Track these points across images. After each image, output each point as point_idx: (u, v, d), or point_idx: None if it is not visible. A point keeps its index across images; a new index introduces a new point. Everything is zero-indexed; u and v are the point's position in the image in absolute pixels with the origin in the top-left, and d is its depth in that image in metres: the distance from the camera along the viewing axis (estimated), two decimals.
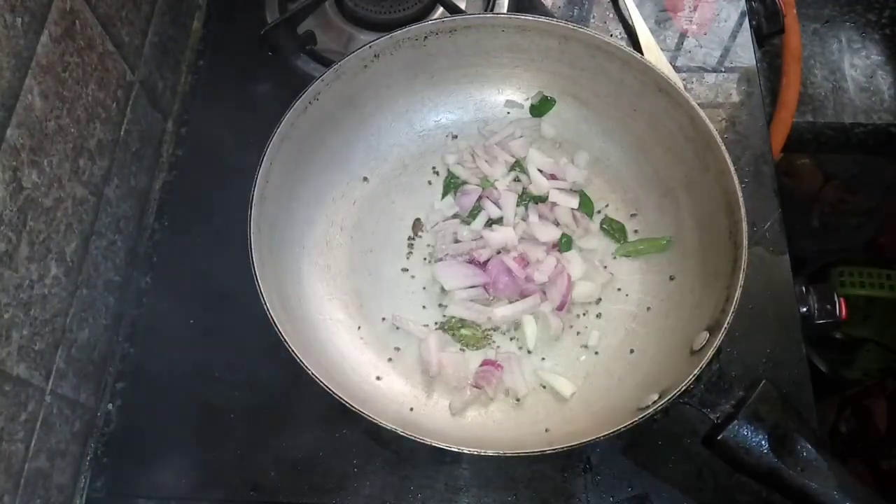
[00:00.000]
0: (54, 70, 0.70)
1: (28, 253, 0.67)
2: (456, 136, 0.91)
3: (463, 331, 0.80)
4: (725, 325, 0.66)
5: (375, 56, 0.82)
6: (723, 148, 0.73)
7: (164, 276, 0.88)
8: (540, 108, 0.89)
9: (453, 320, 0.81)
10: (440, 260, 0.83)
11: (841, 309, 0.85)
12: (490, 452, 0.64)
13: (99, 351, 0.82)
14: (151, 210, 0.92)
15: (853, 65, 1.11)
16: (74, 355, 0.76)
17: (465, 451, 0.64)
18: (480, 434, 0.75)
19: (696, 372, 0.64)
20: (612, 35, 1.00)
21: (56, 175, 0.71)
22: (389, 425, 0.64)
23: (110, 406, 0.82)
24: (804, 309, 0.84)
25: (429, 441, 0.64)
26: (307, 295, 0.80)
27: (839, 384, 1.22)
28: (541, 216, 0.85)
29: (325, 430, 0.78)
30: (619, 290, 0.82)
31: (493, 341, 0.80)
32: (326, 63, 0.84)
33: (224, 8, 1.06)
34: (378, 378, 0.78)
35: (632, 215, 0.86)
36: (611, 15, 1.03)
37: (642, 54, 0.80)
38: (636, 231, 0.85)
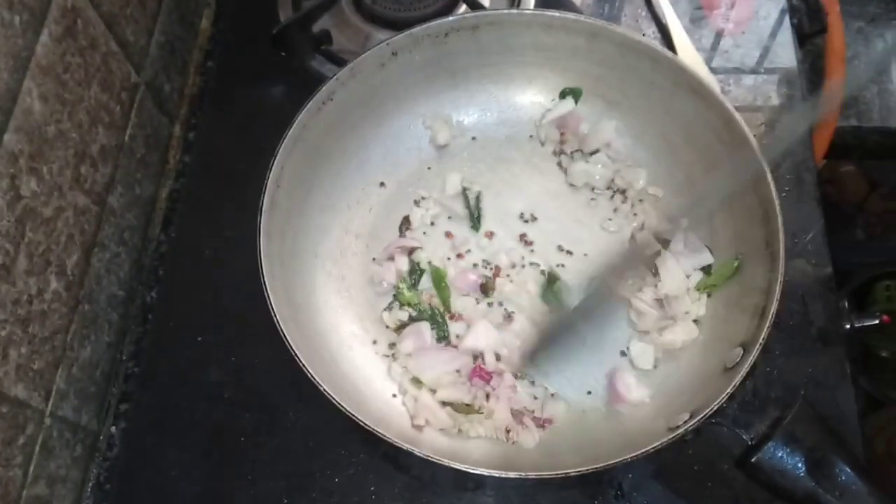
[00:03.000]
0: (55, 71, 0.70)
1: (26, 266, 0.66)
2: (475, 138, 0.88)
3: None
4: (761, 341, 0.64)
5: (393, 54, 0.80)
6: (759, 152, 0.71)
7: (170, 290, 0.86)
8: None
9: None
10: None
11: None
12: (512, 475, 0.63)
13: (102, 370, 0.81)
14: (157, 220, 0.92)
15: None
16: (75, 375, 0.75)
17: (486, 472, 0.63)
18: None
19: (729, 390, 0.63)
20: (644, 34, 0.98)
21: (56, 183, 0.70)
22: (405, 445, 0.63)
23: (113, 429, 0.80)
24: (848, 325, 0.82)
25: (446, 462, 0.63)
26: (320, 307, 0.78)
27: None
28: None
29: (341, 453, 0.76)
30: None
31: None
32: (342, 63, 0.84)
33: (234, 6, 1.04)
34: (395, 395, 0.76)
35: None
36: (643, 13, 1.01)
37: (676, 54, 0.78)
38: None
